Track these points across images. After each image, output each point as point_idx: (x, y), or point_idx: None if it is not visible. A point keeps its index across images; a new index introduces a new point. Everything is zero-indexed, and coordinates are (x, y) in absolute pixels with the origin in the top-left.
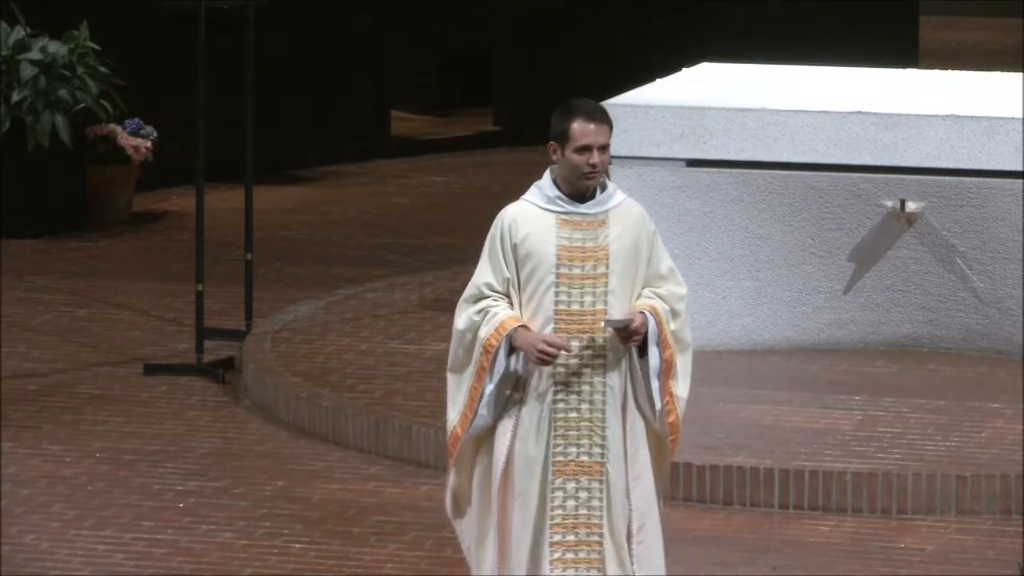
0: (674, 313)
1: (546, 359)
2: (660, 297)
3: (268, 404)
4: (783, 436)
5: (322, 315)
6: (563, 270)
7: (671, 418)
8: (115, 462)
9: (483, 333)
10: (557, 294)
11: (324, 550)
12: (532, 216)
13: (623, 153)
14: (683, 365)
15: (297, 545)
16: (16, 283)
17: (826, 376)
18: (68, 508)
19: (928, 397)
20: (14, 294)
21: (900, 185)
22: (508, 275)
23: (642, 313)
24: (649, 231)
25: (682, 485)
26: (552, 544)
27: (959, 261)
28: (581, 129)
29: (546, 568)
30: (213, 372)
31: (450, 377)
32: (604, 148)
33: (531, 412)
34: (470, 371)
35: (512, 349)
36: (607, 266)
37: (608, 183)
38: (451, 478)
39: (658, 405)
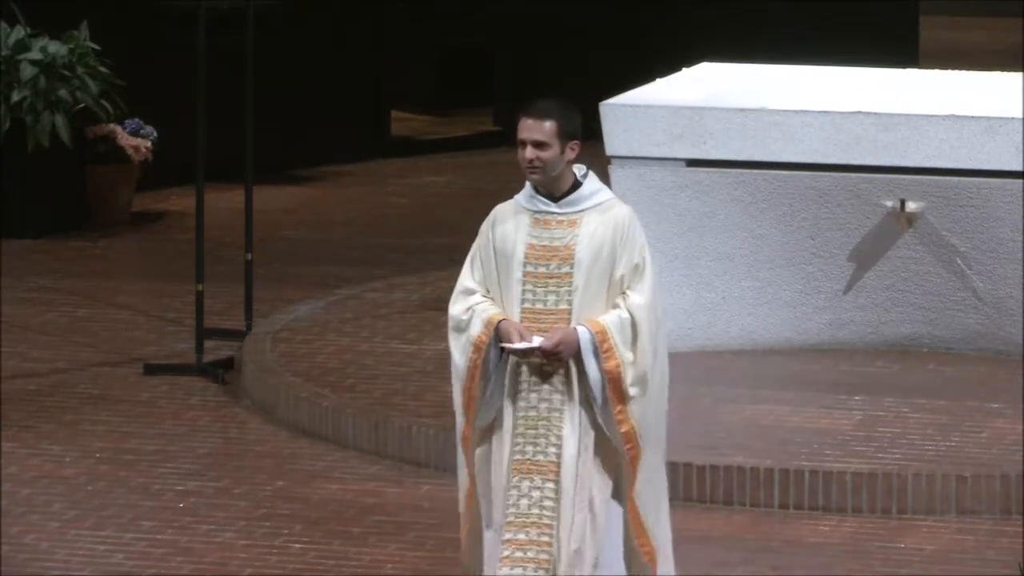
0: (631, 323)
1: (510, 347)
2: (620, 306)
3: (268, 404)
4: (783, 436)
5: (322, 315)
6: (529, 268)
7: (624, 428)
8: (115, 462)
9: (472, 332)
10: (523, 292)
11: (324, 550)
12: (512, 214)
13: (623, 153)
14: (639, 373)
15: (297, 545)
16: (16, 283)
17: (826, 376)
18: (68, 508)
19: (928, 397)
20: (14, 294)
21: (900, 185)
22: (482, 273)
23: (573, 329)
24: (625, 233)
25: (682, 485)
26: (504, 542)
27: (959, 261)
28: (519, 124)
29: (497, 566)
30: (213, 372)
31: (454, 381)
32: (540, 144)
33: (506, 410)
34: (464, 371)
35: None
36: (572, 266)
37: (589, 184)
38: (463, 477)
39: (600, 414)
